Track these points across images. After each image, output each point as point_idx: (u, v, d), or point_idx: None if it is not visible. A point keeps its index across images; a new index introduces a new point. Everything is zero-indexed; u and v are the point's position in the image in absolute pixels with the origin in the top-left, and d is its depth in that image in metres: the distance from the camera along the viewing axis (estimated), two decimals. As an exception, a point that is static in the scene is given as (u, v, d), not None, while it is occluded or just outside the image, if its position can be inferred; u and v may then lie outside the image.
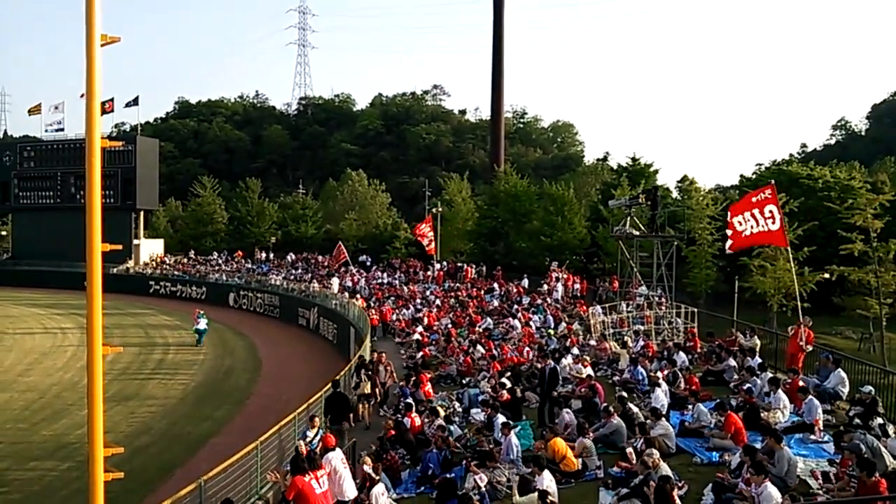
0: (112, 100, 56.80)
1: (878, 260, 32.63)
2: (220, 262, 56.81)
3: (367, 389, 19.01)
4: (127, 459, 15.67)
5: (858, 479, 9.46)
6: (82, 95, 4.90)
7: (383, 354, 21.75)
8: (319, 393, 16.44)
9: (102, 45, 4.76)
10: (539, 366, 17.42)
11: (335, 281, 42.04)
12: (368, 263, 50.33)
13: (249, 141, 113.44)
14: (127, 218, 56.59)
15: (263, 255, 56.97)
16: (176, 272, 55.30)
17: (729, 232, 19.34)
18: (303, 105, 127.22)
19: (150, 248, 61.06)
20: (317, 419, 14.44)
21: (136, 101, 59.75)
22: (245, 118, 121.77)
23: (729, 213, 20.03)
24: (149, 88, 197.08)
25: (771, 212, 18.06)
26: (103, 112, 50.20)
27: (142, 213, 60.69)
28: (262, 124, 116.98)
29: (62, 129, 61.15)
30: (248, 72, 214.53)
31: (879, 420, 12.74)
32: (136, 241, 58.67)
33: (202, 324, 34.47)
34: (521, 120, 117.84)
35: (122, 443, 13.85)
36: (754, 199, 18.53)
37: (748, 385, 15.76)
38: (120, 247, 5.14)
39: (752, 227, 18.23)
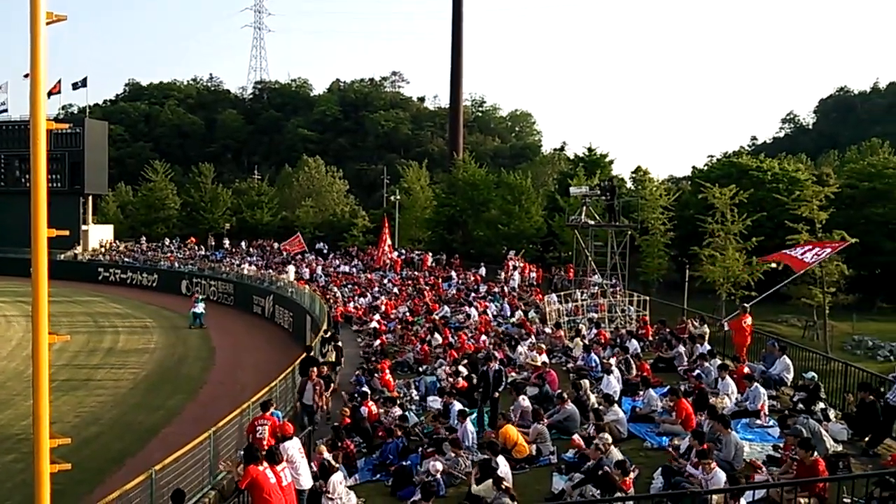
0: (59, 81, 54.82)
1: (822, 250, 33.73)
2: (172, 248, 55.61)
3: (332, 358, 20.52)
4: (75, 450, 15.31)
5: (798, 461, 9.82)
6: (26, 76, 4.74)
7: (315, 370, 16.47)
8: (275, 381, 16.28)
9: (48, 24, 4.62)
10: (483, 368, 16.25)
11: (291, 269, 41.62)
12: (325, 251, 49.92)
13: (203, 125, 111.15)
14: (75, 203, 54.89)
15: (225, 241, 55.91)
16: (126, 259, 53.97)
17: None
18: (258, 89, 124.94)
19: (99, 234, 59.28)
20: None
21: (84, 83, 57.70)
22: (199, 102, 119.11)
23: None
24: (97, 69, 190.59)
25: (818, 254, 20.15)
26: (49, 94, 48.70)
27: (90, 197, 58.84)
28: (216, 108, 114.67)
29: (6, 111, 58.69)
30: (202, 54, 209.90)
31: (821, 405, 13.23)
32: (84, 227, 56.94)
33: (199, 307, 35.43)
34: (480, 108, 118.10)
35: (70, 433, 13.57)
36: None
37: (698, 371, 16.19)
38: (67, 232, 5.04)
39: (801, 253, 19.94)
